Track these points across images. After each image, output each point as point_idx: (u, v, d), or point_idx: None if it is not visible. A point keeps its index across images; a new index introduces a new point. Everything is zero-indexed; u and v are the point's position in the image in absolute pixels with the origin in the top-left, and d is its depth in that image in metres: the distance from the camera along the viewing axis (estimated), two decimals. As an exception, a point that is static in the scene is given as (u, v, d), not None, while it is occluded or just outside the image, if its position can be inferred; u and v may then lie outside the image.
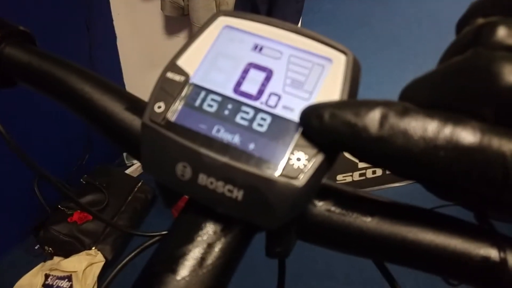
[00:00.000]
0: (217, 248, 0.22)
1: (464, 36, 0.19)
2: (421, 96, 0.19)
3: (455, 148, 0.16)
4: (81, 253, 1.38)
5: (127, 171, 1.76)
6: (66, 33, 1.37)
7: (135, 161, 1.81)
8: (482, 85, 0.16)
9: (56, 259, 1.39)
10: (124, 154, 1.82)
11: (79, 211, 1.47)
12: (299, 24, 1.67)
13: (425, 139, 0.16)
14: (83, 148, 1.60)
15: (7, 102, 1.09)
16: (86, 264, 1.34)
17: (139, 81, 1.76)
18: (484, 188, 0.16)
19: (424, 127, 0.17)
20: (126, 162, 1.81)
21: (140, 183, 1.64)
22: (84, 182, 1.59)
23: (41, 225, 1.43)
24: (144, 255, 0.36)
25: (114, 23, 1.56)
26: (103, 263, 1.38)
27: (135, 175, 1.77)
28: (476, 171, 0.16)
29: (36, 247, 1.45)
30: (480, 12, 0.19)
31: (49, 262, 1.38)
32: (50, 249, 1.42)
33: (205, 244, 0.22)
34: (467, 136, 0.16)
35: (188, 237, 0.22)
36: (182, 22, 1.66)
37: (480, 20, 0.19)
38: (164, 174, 0.22)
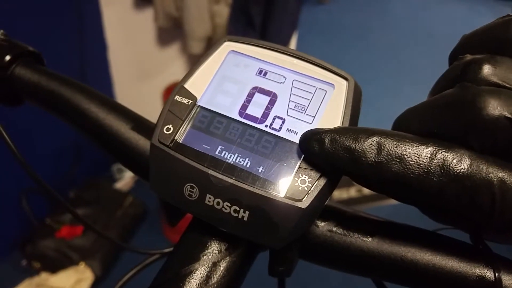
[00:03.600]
0: (222, 267, 0.22)
1: (453, 70, 0.21)
2: (415, 125, 0.20)
3: (446, 175, 0.17)
4: (69, 269, 1.35)
5: (117, 185, 1.75)
6: (57, 42, 1.35)
7: (125, 175, 1.79)
8: (468, 118, 0.18)
9: (44, 274, 1.36)
10: (114, 167, 1.80)
11: (67, 226, 1.45)
12: (295, 36, 1.68)
13: (419, 165, 0.18)
14: (71, 161, 1.58)
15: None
16: (74, 281, 1.31)
17: (130, 92, 1.75)
18: (474, 213, 0.18)
19: (419, 154, 0.18)
20: (116, 176, 1.79)
21: (131, 199, 1.62)
22: (72, 196, 1.57)
23: (28, 240, 1.41)
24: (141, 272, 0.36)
25: (106, 33, 1.55)
26: (92, 279, 1.35)
27: (125, 189, 1.75)
28: (466, 197, 0.17)
29: (23, 262, 1.42)
30: (469, 48, 0.21)
31: (36, 278, 1.35)
32: (38, 264, 1.39)
33: (210, 263, 0.22)
34: (458, 163, 0.17)
35: (194, 255, 0.23)
36: (175, 33, 1.67)
37: (468, 57, 0.20)
38: (172, 194, 0.22)
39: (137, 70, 1.76)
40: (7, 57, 0.32)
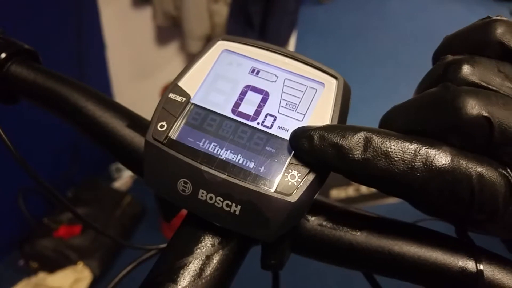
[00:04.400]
0: (215, 260, 0.23)
1: (435, 70, 0.22)
2: (399, 123, 0.21)
3: (429, 170, 0.18)
4: (67, 269, 1.35)
5: (116, 185, 1.75)
6: (55, 41, 1.35)
7: (123, 174, 1.79)
8: (448, 116, 0.19)
9: (41, 274, 1.36)
10: (112, 167, 1.81)
11: (65, 225, 1.45)
12: (294, 36, 1.69)
13: (404, 161, 0.19)
14: (69, 160, 1.58)
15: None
16: (72, 280, 1.31)
17: (128, 91, 1.75)
18: (455, 206, 0.19)
19: (403, 150, 0.19)
20: (115, 175, 1.80)
21: (129, 198, 1.62)
22: (70, 196, 1.57)
23: (25, 240, 1.41)
24: (137, 269, 0.36)
25: (104, 32, 1.55)
26: (90, 279, 1.35)
27: (123, 188, 1.75)
28: (447, 191, 0.18)
29: (20, 262, 1.42)
30: (450, 48, 0.22)
31: (33, 278, 1.35)
32: (35, 264, 1.39)
33: (203, 256, 0.23)
34: (440, 159, 0.18)
35: (188, 249, 0.23)
36: (173, 32, 1.66)
37: (449, 57, 0.21)
38: (166, 189, 0.23)
39: (136, 69, 1.76)
40: (3, 55, 0.32)
